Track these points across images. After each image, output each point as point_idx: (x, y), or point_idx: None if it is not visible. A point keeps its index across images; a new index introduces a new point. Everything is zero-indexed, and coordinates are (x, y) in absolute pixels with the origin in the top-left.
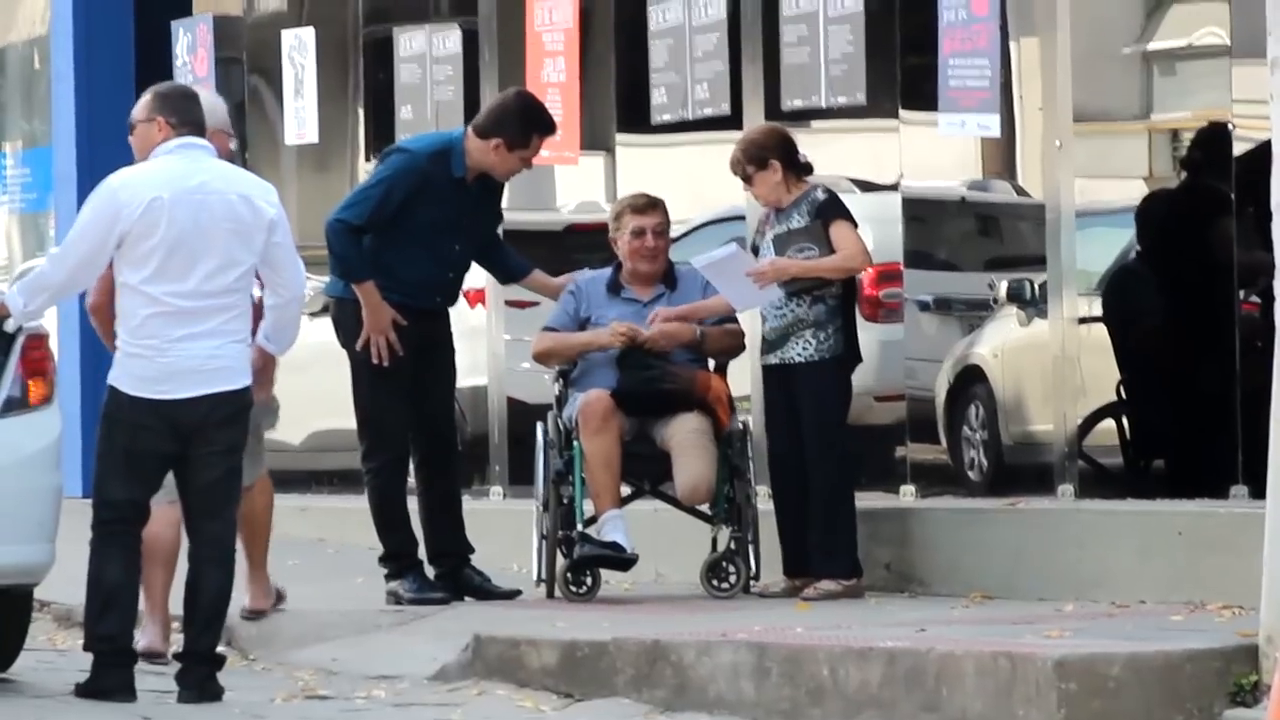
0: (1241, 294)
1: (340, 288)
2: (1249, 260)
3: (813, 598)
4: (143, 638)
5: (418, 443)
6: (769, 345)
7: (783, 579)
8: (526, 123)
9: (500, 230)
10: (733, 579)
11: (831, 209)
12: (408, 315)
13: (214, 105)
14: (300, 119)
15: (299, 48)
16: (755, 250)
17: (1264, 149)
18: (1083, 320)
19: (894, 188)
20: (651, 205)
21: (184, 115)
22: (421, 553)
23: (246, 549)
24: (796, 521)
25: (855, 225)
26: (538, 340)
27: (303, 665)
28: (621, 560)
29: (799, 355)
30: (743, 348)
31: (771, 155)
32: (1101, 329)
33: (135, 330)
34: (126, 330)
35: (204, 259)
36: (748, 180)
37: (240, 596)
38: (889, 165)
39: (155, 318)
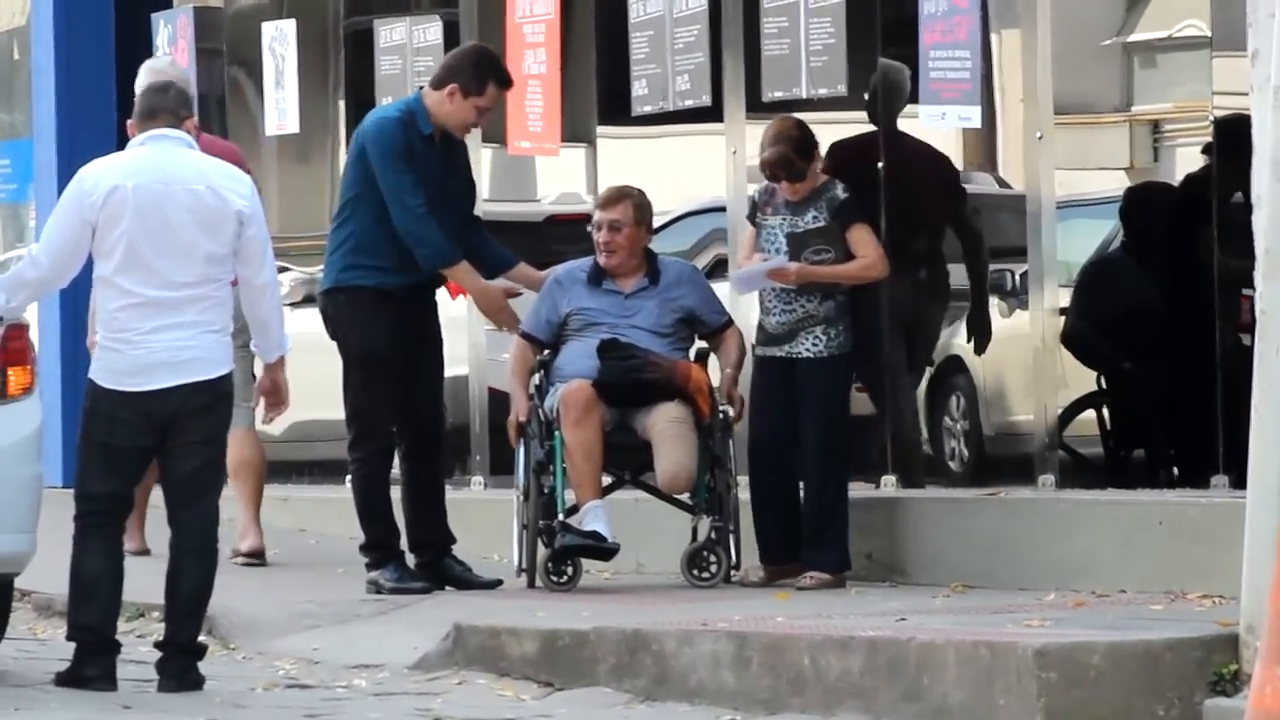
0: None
1: (330, 279)
2: (1229, 252)
3: (808, 587)
4: (243, 542)
5: (404, 432)
6: (774, 339)
7: (761, 568)
8: (480, 70)
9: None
10: (713, 568)
11: (851, 211)
12: (399, 303)
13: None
14: (281, 110)
15: (280, 39)
16: (753, 220)
17: (1244, 141)
18: (1063, 311)
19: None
20: (614, 199)
21: (145, 109)
22: (403, 542)
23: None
24: (777, 511)
25: (873, 227)
26: (511, 348)
27: (283, 654)
28: (602, 550)
29: (808, 351)
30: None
31: (812, 143)
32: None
33: (109, 323)
34: (101, 324)
35: (170, 249)
36: (800, 178)
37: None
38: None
39: (126, 310)
